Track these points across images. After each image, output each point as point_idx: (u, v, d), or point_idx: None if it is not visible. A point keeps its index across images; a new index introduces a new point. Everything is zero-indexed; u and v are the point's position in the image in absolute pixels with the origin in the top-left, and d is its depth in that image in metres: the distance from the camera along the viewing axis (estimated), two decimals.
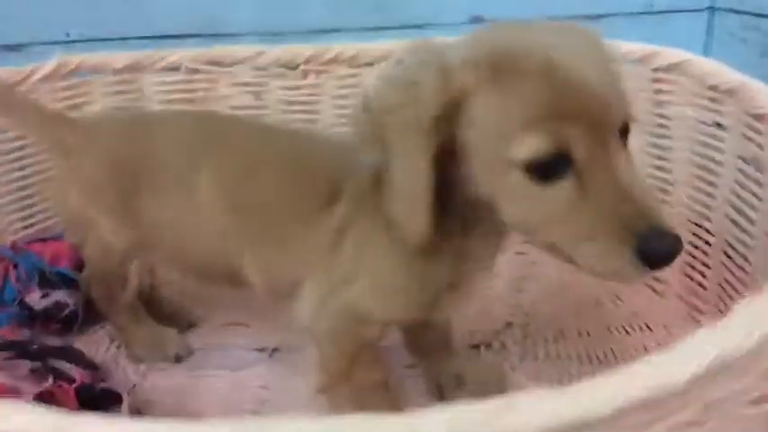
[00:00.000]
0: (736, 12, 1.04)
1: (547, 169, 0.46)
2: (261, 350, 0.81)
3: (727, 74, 0.77)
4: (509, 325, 0.85)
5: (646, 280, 0.89)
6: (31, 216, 0.95)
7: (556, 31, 0.50)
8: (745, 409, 0.54)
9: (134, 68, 0.98)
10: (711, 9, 1.10)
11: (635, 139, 0.53)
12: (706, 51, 1.08)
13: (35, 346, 0.66)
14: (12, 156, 0.92)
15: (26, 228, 0.94)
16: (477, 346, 0.80)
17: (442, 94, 0.47)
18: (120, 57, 0.97)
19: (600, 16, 1.10)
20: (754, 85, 0.73)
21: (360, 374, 0.60)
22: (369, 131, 0.51)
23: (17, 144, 0.92)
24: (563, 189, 0.46)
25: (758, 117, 0.71)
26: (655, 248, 0.44)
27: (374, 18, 1.08)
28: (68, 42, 1.05)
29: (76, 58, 0.94)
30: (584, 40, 0.50)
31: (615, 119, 0.47)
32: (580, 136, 0.45)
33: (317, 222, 0.59)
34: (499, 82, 0.46)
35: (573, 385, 0.45)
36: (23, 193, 0.94)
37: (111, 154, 0.70)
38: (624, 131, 0.49)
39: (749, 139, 0.74)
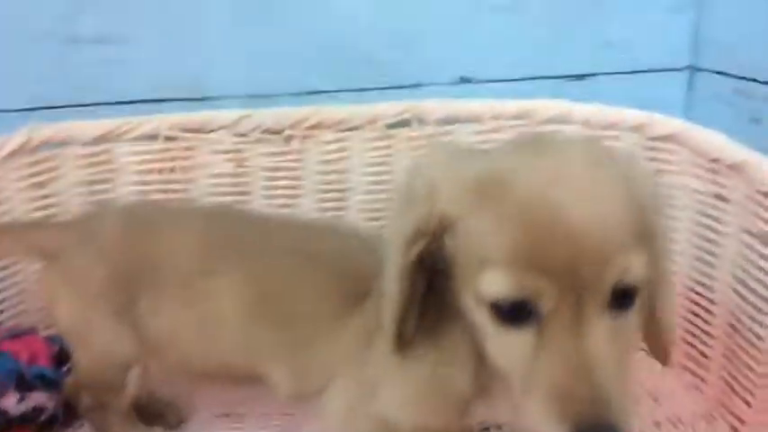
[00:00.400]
0: (723, 74, 1.05)
1: (508, 312, 0.44)
2: None
3: (729, 149, 0.77)
4: None
5: None
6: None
7: (557, 153, 0.47)
8: None
9: (106, 139, 0.92)
10: (692, 69, 1.11)
11: None
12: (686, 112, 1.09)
13: None
14: None
15: None
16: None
17: (430, 217, 0.47)
18: (91, 126, 0.91)
19: (582, 77, 1.10)
20: (757, 160, 0.73)
21: None
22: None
23: None
24: (523, 335, 0.44)
25: (765, 194, 0.71)
26: None
27: (365, 79, 1.05)
28: (29, 110, 0.98)
29: (46, 128, 0.89)
30: (591, 165, 0.46)
31: (599, 281, 0.43)
32: (550, 290, 0.42)
33: (346, 323, 0.58)
34: (481, 213, 0.44)
35: None
36: None
37: (111, 256, 0.66)
38: (622, 296, 0.44)
39: (755, 214, 0.73)
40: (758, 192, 0.73)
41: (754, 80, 0.98)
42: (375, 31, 1.05)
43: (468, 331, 0.50)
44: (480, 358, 0.52)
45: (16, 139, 0.87)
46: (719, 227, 0.80)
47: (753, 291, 0.74)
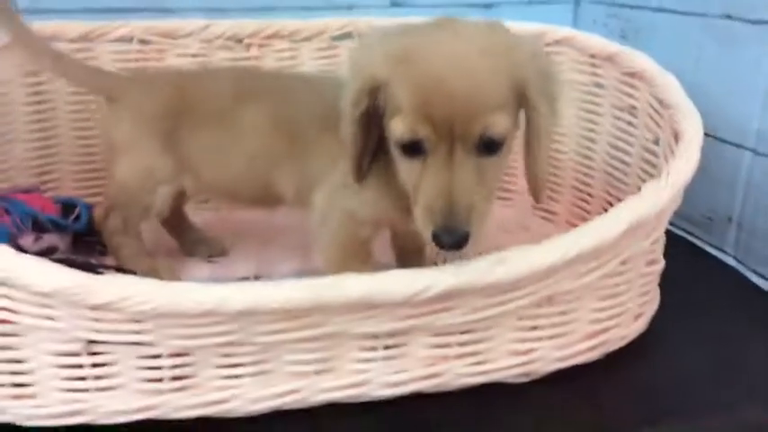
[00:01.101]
0: (598, 3, 1.31)
1: (406, 148, 0.63)
2: None
3: (604, 44, 1.00)
4: None
5: None
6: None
7: (453, 35, 0.62)
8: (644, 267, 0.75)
9: (88, 38, 1.04)
10: (576, 1, 1.37)
11: None
12: None
13: None
14: None
15: None
16: None
17: (366, 81, 0.63)
18: (74, 26, 1.03)
19: (489, 5, 1.33)
20: (625, 49, 0.97)
21: (353, 268, 0.74)
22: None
23: None
24: (415, 164, 0.63)
25: (632, 75, 0.95)
26: (441, 240, 0.60)
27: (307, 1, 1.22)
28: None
29: (36, 26, 1.00)
30: (476, 45, 0.61)
31: (465, 132, 0.60)
32: (430, 135, 0.60)
33: (321, 144, 0.76)
34: (396, 77, 0.61)
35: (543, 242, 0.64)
36: None
37: (163, 94, 0.85)
38: (488, 144, 0.61)
39: (624, 93, 0.97)
40: (625, 74, 0.96)
41: (622, 5, 1.24)
42: None
43: None
44: None
45: None
46: (598, 108, 1.03)
47: (625, 151, 0.97)
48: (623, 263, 0.70)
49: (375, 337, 0.64)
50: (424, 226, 0.62)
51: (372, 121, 0.65)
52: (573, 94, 1.07)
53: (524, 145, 0.67)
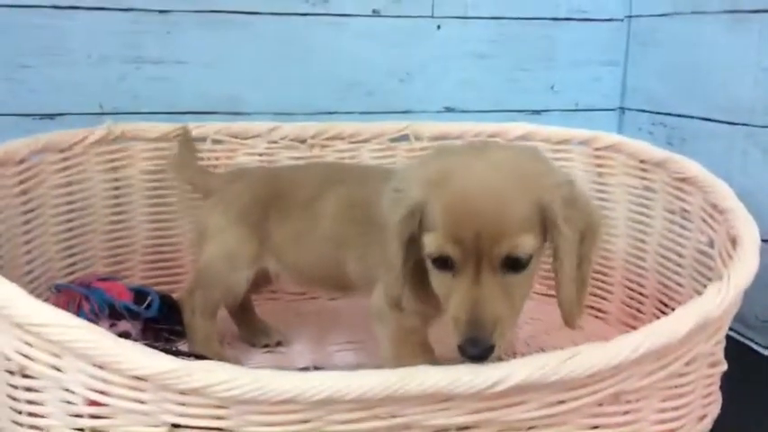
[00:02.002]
0: (643, 111, 1.37)
1: (437, 262, 0.67)
2: None
3: (654, 150, 1.05)
4: None
5: None
6: (73, 264, 1.05)
7: (487, 160, 0.67)
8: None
9: (167, 138, 1.12)
10: (622, 109, 1.43)
11: None
12: None
13: None
14: (60, 209, 1.03)
15: (69, 274, 1.04)
16: None
17: (406, 205, 0.68)
18: (156, 127, 1.12)
19: (538, 111, 1.40)
20: (675, 156, 1.01)
21: (408, 360, 0.74)
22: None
23: (64, 200, 1.03)
24: (445, 277, 0.67)
25: (683, 180, 0.98)
26: (466, 351, 0.63)
27: (367, 104, 1.30)
28: (100, 114, 1.17)
29: (121, 126, 1.09)
30: (506, 170, 0.67)
31: (491, 252, 0.64)
32: (458, 254, 0.65)
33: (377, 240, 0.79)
34: (432, 201, 0.66)
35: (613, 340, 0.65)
36: (69, 243, 1.04)
37: (255, 187, 0.96)
38: (512, 263, 0.65)
39: (675, 197, 1.00)
40: (676, 179, 1.00)
41: (668, 114, 1.30)
42: (378, 68, 1.32)
43: None
44: None
45: (99, 131, 1.07)
46: (648, 211, 1.07)
47: (677, 253, 0.99)
48: (688, 363, 0.71)
49: (445, 429, 0.65)
50: (452, 334, 0.66)
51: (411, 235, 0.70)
52: (623, 197, 1.11)
53: (552, 269, 0.70)
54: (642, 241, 1.08)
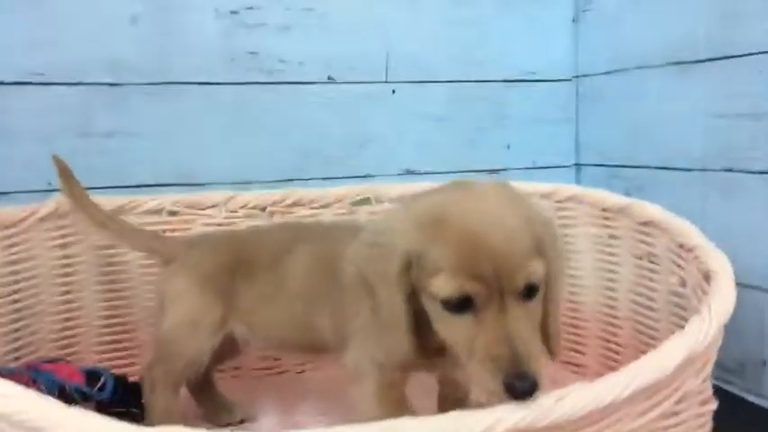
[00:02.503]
0: (599, 165, 1.39)
1: (454, 306, 0.63)
2: None
3: (616, 198, 1.05)
4: None
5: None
6: (19, 348, 0.98)
7: (478, 195, 0.66)
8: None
9: (120, 211, 1.08)
10: (578, 165, 1.45)
11: None
12: None
13: None
14: (5, 289, 0.97)
15: (15, 359, 0.96)
16: None
17: (399, 256, 0.65)
18: (108, 200, 1.07)
19: (496, 170, 1.41)
20: (638, 202, 1.01)
21: (387, 411, 0.71)
22: (358, 280, 0.70)
23: (10, 279, 0.97)
24: (465, 320, 0.64)
25: (646, 224, 0.99)
26: (515, 388, 0.59)
27: (326, 170, 1.29)
28: (49, 191, 1.13)
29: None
30: (501, 203, 0.65)
31: (512, 282, 0.62)
32: (479, 289, 0.62)
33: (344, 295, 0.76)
34: (433, 245, 0.64)
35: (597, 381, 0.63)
36: (15, 326, 0.98)
37: (220, 250, 0.92)
38: (529, 290, 0.63)
39: (641, 241, 1.00)
40: (639, 224, 1.00)
41: (623, 166, 1.32)
42: (335, 134, 1.32)
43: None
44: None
45: (47, 206, 1.02)
46: (615, 258, 1.06)
47: (648, 297, 0.98)
48: (678, 401, 0.68)
49: None
50: (489, 376, 0.61)
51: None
52: (588, 246, 1.10)
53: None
54: (612, 290, 1.07)
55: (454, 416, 0.59)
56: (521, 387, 0.58)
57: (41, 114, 1.15)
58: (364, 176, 1.31)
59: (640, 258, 1.01)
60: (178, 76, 1.22)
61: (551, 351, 0.70)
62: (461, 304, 0.63)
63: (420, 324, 0.68)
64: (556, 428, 0.60)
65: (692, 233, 0.89)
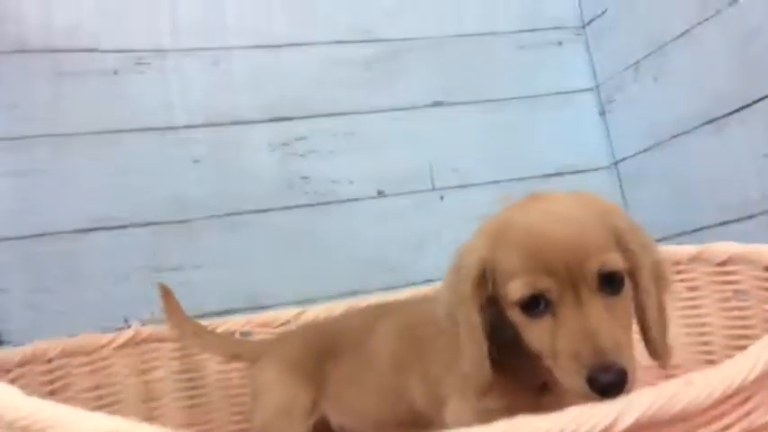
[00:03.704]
0: (657, 241, 1.38)
1: (531, 307, 0.62)
2: None
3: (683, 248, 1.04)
4: None
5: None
6: None
7: (547, 199, 0.66)
8: None
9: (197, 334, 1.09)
10: None
11: None
12: None
13: None
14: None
15: None
16: None
17: (474, 266, 0.65)
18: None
19: None
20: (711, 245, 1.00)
21: None
22: (446, 317, 0.69)
23: (94, 404, 0.97)
24: (544, 322, 0.61)
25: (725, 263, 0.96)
26: (599, 381, 0.56)
27: (388, 280, 1.31)
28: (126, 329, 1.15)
29: (148, 329, 1.06)
30: (572, 207, 0.64)
31: (584, 272, 0.60)
32: (553, 285, 0.60)
33: (439, 345, 0.75)
34: (501, 250, 0.63)
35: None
36: None
37: (308, 338, 0.96)
38: (609, 281, 0.61)
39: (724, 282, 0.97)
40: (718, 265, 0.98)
41: (682, 234, 1.31)
42: (391, 245, 1.35)
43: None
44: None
45: (126, 334, 1.04)
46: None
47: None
48: None
49: None
50: (574, 375, 0.57)
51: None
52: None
53: (635, 309, 0.66)
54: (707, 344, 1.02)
55: (577, 410, 0.55)
56: (606, 379, 0.55)
57: (112, 255, 1.21)
58: (424, 282, 1.32)
59: (728, 301, 0.97)
60: (238, 207, 1.29)
61: (658, 355, 0.65)
62: (536, 303, 0.61)
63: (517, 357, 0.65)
64: (689, 414, 0.56)
65: None
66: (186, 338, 1.03)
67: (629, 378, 0.56)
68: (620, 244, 0.63)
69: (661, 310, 0.66)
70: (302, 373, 0.90)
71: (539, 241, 0.61)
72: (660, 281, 0.66)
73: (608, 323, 0.59)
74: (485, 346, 0.65)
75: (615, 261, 0.61)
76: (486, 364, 0.65)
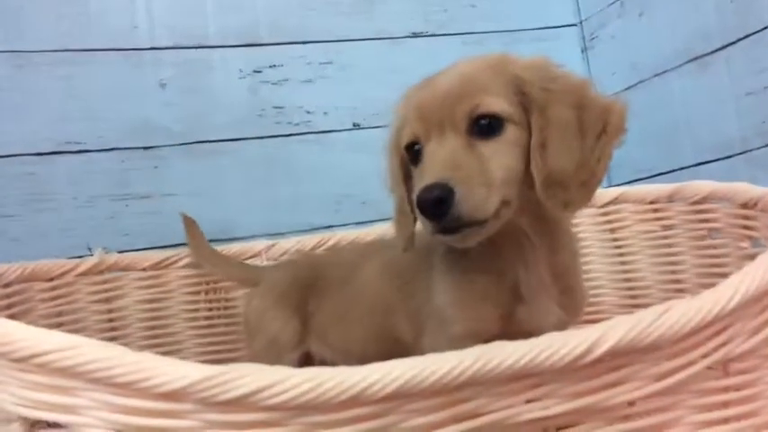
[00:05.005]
0: (634, 181, 1.37)
1: (412, 153, 0.66)
2: None
3: (660, 187, 1.03)
4: None
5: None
6: None
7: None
8: None
9: (160, 266, 1.07)
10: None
11: None
12: None
13: None
14: None
15: None
16: None
17: (395, 120, 0.71)
18: (148, 256, 1.06)
19: None
20: (687, 183, 0.99)
21: None
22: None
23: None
24: (419, 168, 0.64)
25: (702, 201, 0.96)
26: (421, 202, 0.58)
27: (361, 213, 1.28)
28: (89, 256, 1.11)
29: (113, 256, 1.03)
30: (471, 63, 0.67)
31: (453, 116, 0.62)
32: (422, 131, 0.64)
33: (420, 281, 0.76)
34: (406, 107, 0.68)
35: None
36: None
37: (296, 271, 0.96)
38: (484, 125, 0.62)
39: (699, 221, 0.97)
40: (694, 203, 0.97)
41: (661, 174, 1.30)
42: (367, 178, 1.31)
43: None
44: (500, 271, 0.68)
45: (90, 261, 1.00)
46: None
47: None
48: None
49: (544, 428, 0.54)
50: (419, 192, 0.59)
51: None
52: (643, 245, 1.07)
53: (533, 150, 0.63)
54: (677, 282, 1.02)
55: (552, 337, 0.54)
56: (425, 196, 0.57)
57: (78, 181, 1.16)
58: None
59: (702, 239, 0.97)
60: (210, 134, 1.24)
61: (558, 200, 0.63)
62: (416, 150, 0.65)
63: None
64: (665, 342, 0.55)
65: (753, 189, 0.86)
66: (207, 267, 1.06)
67: (457, 196, 0.57)
68: (519, 91, 0.63)
69: (590, 151, 0.64)
70: (288, 305, 0.90)
71: (422, 92, 0.66)
72: (605, 126, 0.65)
73: (457, 153, 0.61)
74: (404, 192, 0.70)
75: (489, 104, 0.62)
76: (407, 211, 0.70)
